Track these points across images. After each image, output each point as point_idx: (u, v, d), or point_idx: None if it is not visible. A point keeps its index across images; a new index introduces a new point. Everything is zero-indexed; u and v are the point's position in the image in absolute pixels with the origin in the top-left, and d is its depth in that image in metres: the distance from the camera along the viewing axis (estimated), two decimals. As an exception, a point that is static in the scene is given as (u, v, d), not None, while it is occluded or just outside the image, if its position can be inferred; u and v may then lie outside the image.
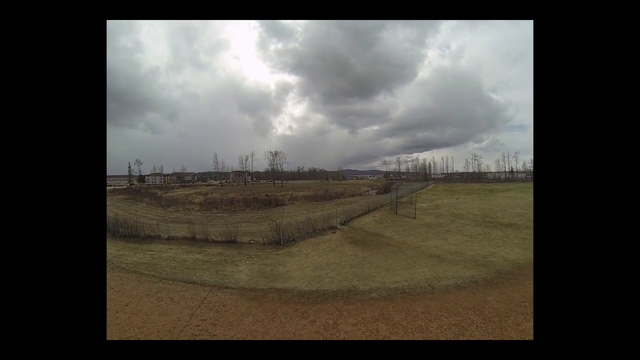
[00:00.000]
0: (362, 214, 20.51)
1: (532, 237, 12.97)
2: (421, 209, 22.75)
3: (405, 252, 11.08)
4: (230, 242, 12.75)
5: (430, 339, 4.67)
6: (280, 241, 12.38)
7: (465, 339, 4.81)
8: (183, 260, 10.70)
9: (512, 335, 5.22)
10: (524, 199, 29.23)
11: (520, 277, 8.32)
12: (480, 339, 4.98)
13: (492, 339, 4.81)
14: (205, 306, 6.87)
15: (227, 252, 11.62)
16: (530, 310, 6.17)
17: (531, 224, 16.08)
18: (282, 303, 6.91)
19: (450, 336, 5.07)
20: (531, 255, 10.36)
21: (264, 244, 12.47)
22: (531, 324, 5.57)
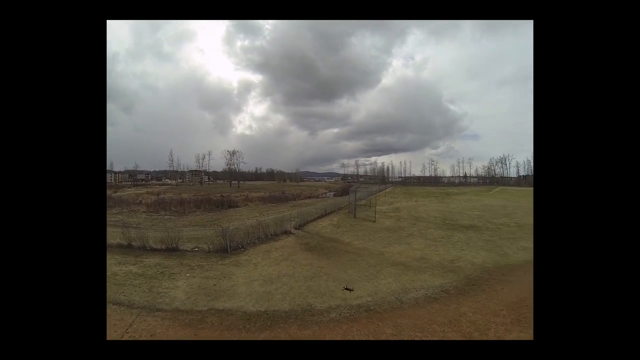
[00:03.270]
0: (318, 217, 20.09)
1: (494, 239, 13.53)
2: (381, 211, 22.87)
3: (366, 259, 10.51)
4: (172, 250, 11.78)
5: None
6: (228, 248, 11.67)
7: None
8: (113, 273, 9.10)
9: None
10: (479, 202, 31.45)
11: (491, 282, 8.19)
12: None
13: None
14: (130, 336, 5.58)
15: (166, 262, 10.31)
16: (509, 319, 5.91)
17: (490, 225, 16.92)
18: (223, 329, 5.79)
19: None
20: (497, 258, 10.56)
21: (209, 251, 11.67)
22: (513, 335, 5.32)
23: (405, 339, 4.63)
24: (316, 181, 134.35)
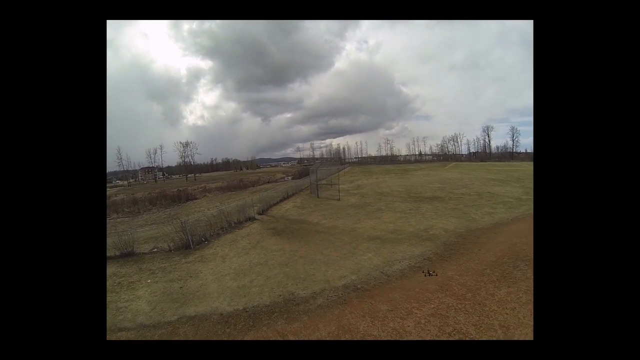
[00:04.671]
0: (281, 200, 19.81)
1: (459, 207, 14.30)
2: (343, 190, 23.09)
3: (340, 237, 10.44)
4: (127, 255, 10.90)
5: (425, 339, 4.71)
6: (190, 244, 11.04)
7: (460, 337, 4.71)
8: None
9: (495, 308, 5.09)
10: (437, 176, 33.44)
11: (467, 245, 8.61)
12: (467, 322, 4.81)
13: (484, 327, 4.89)
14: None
15: (122, 270, 9.25)
16: (495, 277, 6.22)
17: (453, 196, 17.96)
18: (200, 339, 5.27)
19: (435, 331, 4.71)
20: (467, 223, 11.16)
21: (170, 250, 10.97)
22: (503, 291, 5.61)
23: (408, 338, 4.88)
24: (273, 167, 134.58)
